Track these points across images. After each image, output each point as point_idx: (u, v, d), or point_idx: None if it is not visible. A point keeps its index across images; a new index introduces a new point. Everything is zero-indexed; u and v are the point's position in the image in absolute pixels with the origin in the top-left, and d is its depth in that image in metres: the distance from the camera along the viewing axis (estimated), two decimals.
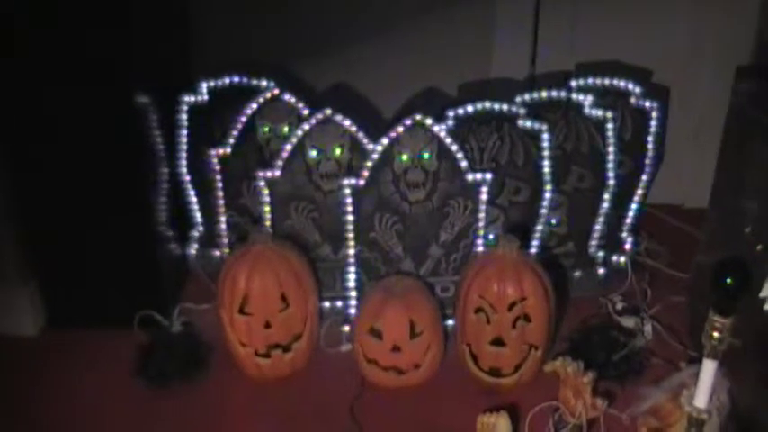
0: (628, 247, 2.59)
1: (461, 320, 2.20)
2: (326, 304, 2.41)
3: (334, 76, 2.73)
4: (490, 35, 2.67)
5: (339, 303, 2.42)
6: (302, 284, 2.21)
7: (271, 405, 2.20)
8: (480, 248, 2.33)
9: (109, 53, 2.08)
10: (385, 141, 2.23)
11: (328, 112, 2.29)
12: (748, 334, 1.86)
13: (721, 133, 2.24)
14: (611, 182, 2.40)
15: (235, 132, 2.42)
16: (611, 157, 2.38)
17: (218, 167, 2.45)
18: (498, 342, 2.16)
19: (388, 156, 2.23)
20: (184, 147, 2.46)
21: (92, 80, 2.10)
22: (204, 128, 2.47)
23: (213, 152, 2.43)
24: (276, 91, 2.43)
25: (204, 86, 2.48)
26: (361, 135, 2.30)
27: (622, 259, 2.57)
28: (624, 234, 2.58)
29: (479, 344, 2.18)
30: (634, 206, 2.55)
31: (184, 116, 2.45)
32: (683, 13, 2.65)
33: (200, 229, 2.57)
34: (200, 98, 2.46)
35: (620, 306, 2.43)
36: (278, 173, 2.30)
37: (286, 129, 2.39)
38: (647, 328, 2.35)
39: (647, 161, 2.50)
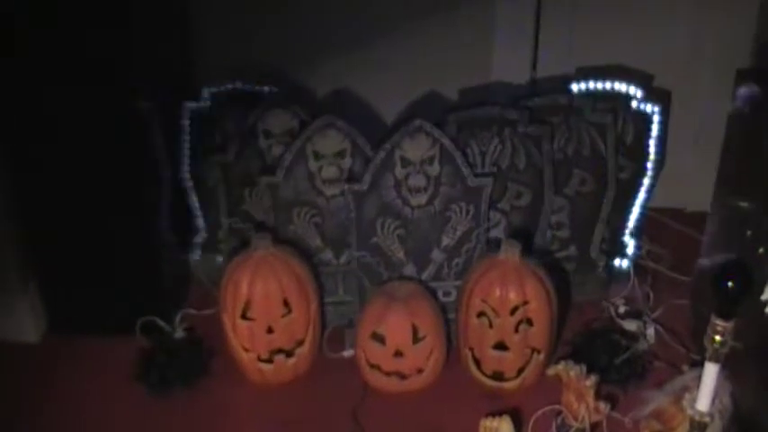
0: (630, 250, 2.59)
1: (464, 325, 2.20)
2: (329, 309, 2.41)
3: (334, 82, 2.73)
4: (491, 39, 2.67)
5: (342, 308, 2.42)
6: (304, 289, 2.21)
7: (273, 410, 2.20)
8: None
9: (109, 53, 2.08)
10: (387, 146, 2.23)
11: (330, 117, 2.29)
12: (750, 337, 1.86)
13: (722, 136, 2.24)
14: (613, 186, 2.40)
15: (236, 138, 2.42)
16: (612, 160, 2.38)
17: (220, 173, 2.46)
18: (501, 346, 2.16)
19: (389, 161, 2.23)
20: (187, 152, 2.47)
21: (92, 80, 2.10)
22: (206, 133, 2.47)
23: (215, 158, 2.44)
24: (277, 96, 2.43)
25: (206, 92, 2.48)
26: (362, 140, 2.30)
27: (625, 263, 2.57)
28: (626, 238, 2.58)
29: (482, 348, 2.18)
30: (636, 210, 2.55)
31: (186, 121, 2.45)
32: (682, 16, 2.65)
33: (203, 234, 2.57)
34: (201, 103, 2.46)
35: (622, 310, 2.43)
36: (279, 178, 2.30)
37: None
38: (650, 331, 2.35)
39: (649, 165, 2.50)
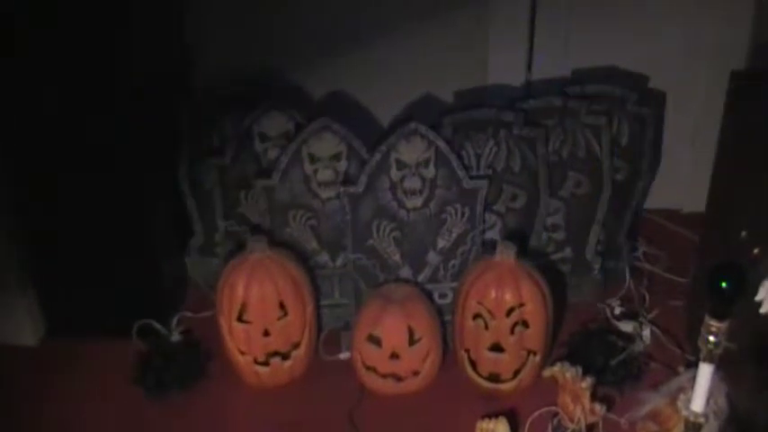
0: (625, 252, 2.59)
1: (460, 327, 2.20)
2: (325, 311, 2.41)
3: (330, 84, 2.74)
4: (486, 41, 2.67)
5: (338, 311, 2.42)
6: (300, 292, 2.21)
7: (270, 413, 2.20)
8: None
9: (109, 53, 2.09)
10: (382, 149, 2.23)
11: (325, 120, 2.29)
12: (745, 337, 1.87)
13: (717, 137, 2.24)
14: (608, 187, 2.41)
15: (233, 141, 2.42)
16: (607, 162, 2.39)
17: (216, 176, 2.46)
18: (497, 348, 2.16)
19: (385, 163, 2.24)
20: (184, 155, 2.47)
21: (92, 81, 2.10)
22: (203, 135, 2.47)
23: (212, 160, 2.44)
24: (274, 99, 2.44)
25: (203, 94, 2.48)
26: (357, 143, 2.30)
27: (620, 264, 2.57)
28: (622, 239, 2.58)
29: (478, 350, 2.19)
30: (631, 211, 2.55)
31: (183, 124, 2.45)
32: (677, 17, 2.65)
33: (199, 237, 2.57)
34: (199, 105, 2.47)
35: (618, 311, 2.43)
36: (275, 181, 2.31)
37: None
38: (646, 332, 2.35)
39: (644, 166, 2.50)
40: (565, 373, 2.04)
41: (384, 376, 2.20)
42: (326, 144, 2.29)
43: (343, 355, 2.34)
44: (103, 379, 2.27)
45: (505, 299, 2.10)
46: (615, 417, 2.09)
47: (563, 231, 2.48)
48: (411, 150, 2.23)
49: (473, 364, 2.22)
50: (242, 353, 2.22)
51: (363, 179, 2.24)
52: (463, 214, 2.29)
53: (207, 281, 2.50)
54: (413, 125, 2.22)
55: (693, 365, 1.67)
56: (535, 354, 2.18)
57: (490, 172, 2.32)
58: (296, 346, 2.25)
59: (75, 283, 2.36)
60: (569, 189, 2.43)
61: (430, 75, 2.71)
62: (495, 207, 2.36)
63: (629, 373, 2.23)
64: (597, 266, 2.51)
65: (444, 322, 2.30)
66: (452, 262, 2.34)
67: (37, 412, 2.19)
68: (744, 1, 2.60)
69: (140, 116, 2.21)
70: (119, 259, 2.33)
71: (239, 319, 2.18)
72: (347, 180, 2.30)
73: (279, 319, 2.19)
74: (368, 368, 2.21)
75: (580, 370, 2.04)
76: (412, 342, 2.17)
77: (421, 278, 2.35)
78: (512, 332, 2.13)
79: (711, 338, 1.56)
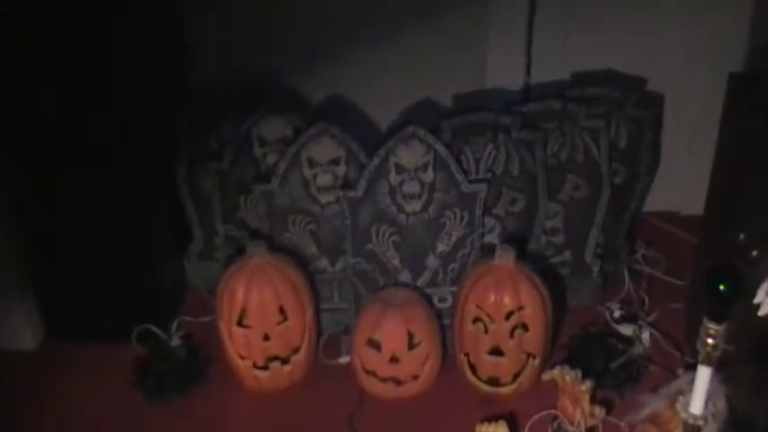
0: (625, 254, 2.59)
1: (459, 330, 2.20)
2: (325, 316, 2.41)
3: (329, 88, 2.74)
4: (484, 45, 2.68)
5: (337, 315, 2.42)
6: (300, 297, 2.21)
7: (269, 417, 2.20)
8: None
9: (109, 54, 2.09)
10: (381, 153, 2.24)
11: (324, 125, 2.29)
12: (744, 340, 1.87)
13: (716, 140, 2.24)
14: (607, 190, 2.41)
15: (232, 145, 2.43)
16: (605, 165, 2.39)
17: (215, 180, 2.47)
18: (496, 351, 2.16)
19: (384, 167, 2.24)
20: (183, 158, 2.47)
21: (91, 82, 2.11)
22: (201, 140, 2.48)
23: (211, 165, 2.45)
24: (273, 103, 2.44)
25: (202, 97, 2.49)
26: (356, 147, 2.30)
27: (619, 267, 2.57)
28: (621, 242, 2.58)
29: (477, 353, 2.19)
30: (630, 214, 2.56)
31: (182, 126, 2.46)
32: (676, 20, 2.66)
33: (199, 242, 2.58)
34: (197, 108, 2.47)
35: (617, 314, 2.44)
36: (274, 186, 2.31)
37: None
38: (645, 335, 2.35)
39: (643, 169, 2.50)
40: (564, 376, 2.04)
41: (384, 380, 2.20)
42: (325, 148, 2.30)
43: (343, 360, 2.34)
44: (103, 383, 2.27)
45: (505, 302, 2.10)
46: (615, 420, 2.09)
47: (562, 235, 2.48)
48: (410, 154, 2.23)
49: (473, 368, 2.22)
50: (242, 357, 2.22)
51: (362, 183, 2.24)
52: (462, 218, 2.29)
53: (206, 285, 2.50)
54: (411, 129, 2.22)
55: (693, 368, 1.67)
56: (534, 357, 2.18)
57: (489, 176, 2.32)
58: (296, 350, 2.25)
59: (75, 287, 2.36)
60: (568, 192, 2.43)
61: (428, 77, 2.71)
62: (494, 211, 2.36)
63: (629, 375, 2.23)
64: (596, 269, 2.51)
65: (444, 326, 2.30)
66: (452, 266, 2.34)
67: (36, 416, 2.19)
68: (742, 3, 2.60)
69: (140, 116, 2.21)
70: (118, 263, 2.33)
71: (239, 323, 2.18)
72: (346, 184, 2.30)
73: (278, 323, 2.19)
74: (367, 372, 2.21)
75: (579, 373, 2.04)
76: (411, 346, 2.17)
77: (420, 282, 2.35)
78: (511, 336, 2.14)
79: (710, 341, 1.56)
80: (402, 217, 2.29)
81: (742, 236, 1.98)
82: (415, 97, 2.73)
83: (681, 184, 2.84)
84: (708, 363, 1.58)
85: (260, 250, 2.18)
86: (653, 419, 2.02)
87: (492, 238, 2.38)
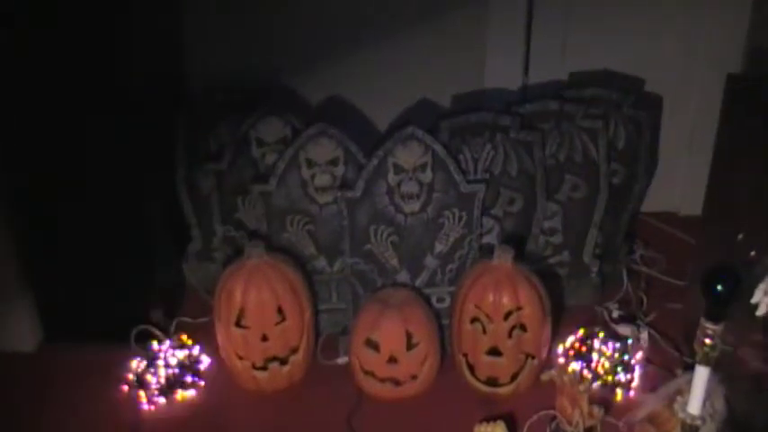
0: (623, 255, 2.60)
1: (458, 331, 2.20)
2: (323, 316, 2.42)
3: (328, 89, 2.74)
4: (483, 46, 2.68)
5: (336, 315, 2.42)
6: (298, 297, 2.21)
7: (268, 418, 2.20)
8: None
9: (109, 54, 2.09)
10: (379, 153, 2.24)
11: (322, 125, 2.29)
12: (743, 340, 1.87)
13: (714, 140, 2.25)
14: (605, 191, 2.41)
15: (231, 146, 2.43)
16: (604, 165, 2.39)
17: (214, 181, 2.47)
18: (495, 352, 2.16)
19: (382, 168, 2.24)
20: (181, 159, 2.47)
21: (91, 83, 2.11)
22: (200, 141, 2.48)
23: (209, 166, 2.45)
24: (271, 104, 2.44)
25: (200, 100, 2.49)
26: (354, 148, 2.30)
27: (618, 267, 2.57)
28: (619, 242, 2.59)
29: (476, 354, 2.19)
30: (629, 214, 2.56)
31: (181, 127, 2.46)
32: (674, 21, 2.66)
33: (197, 242, 2.58)
34: (195, 112, 2.47)
35: (616, 314, 2.44)
36: (272, 186, 2.31)
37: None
38: (644, 335, 2.35)
39: (641, 169, 2.51)
40: (563, 376, 2.04)
41: (382, 381, 2.20)
42: (323, 149, 2.30)
43: (342, 360, 2.34)
44: (102, 384, 2.26)
45: (503, 302, 2.11)
46: (613, 420, 2.09)
47: (560, 235, 2.48)
48: (408, 155, 2.23)
49: (471, 368, 2.22)
50: (240, 358, 2.22)
51: (361, 184, 2.25)
52: (460, 218, 2.29)
53: (205, 286, 2.51)
54: (410, 129, 2.23)
55: (691, 368, 1.67)
56: (533, 357, 2.19)
57: (487, 176, 2.33)
58: (294, 351, 2.25)
59: (74, 288, 2.36)
60: (566, 193, 2.43)
61: (427, 79, 2.71)
62: (492, 211, 2.37)
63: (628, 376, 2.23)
64: (595, 270, 2.51)
65: (442, 326, 2.30)
66: (450, 266, 2.34)
67: (36, 418, 2.18)
68: (740, 5, 2.61)
69: (140, 117, 2.21)
70: (117, 264, 2.33)
71: (237, 324, 2.18)
72: (344, 185, 2.30)
73: (277, 324, 2.19)
74: (366, 373, 2.21)
75: (578, 373, 2.04)
76: (410, 346, 2.17)
77: (418, 282, 2.35)
78: (509, 336, 2.14)
79: (707, 341, 1.56)
80: (400, 217, 2.29)
81: (740, 236, 1.99)
82: (413, 98, 2.73)
83: (679, 184, 2.85)
84: (706, 363, 1.59)
85: (258, 251, 2.18)
86: (651, 419, 2.02)
87: (490, 239, 2.38)
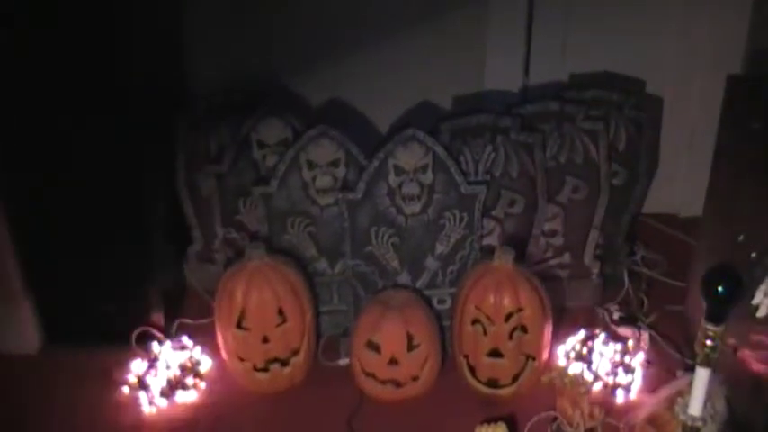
0: (624, 256, 2.59)
1: (458, 332, 2.21)
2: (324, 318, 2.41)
3: (328, 91, 2.74)
4: (483, 47, 2.68)
5: (337, 317, 2.42)
6: (299, 299, 2.21)
7: (269, 419, 2.21)
8: None
9: (109, 54, 2.09)
10: (380, 155, 2.24)
11: (323, 127, 2.29)
12: (743, 341, 1.87)
13: (715, 141, 2.25)
14: (606, 192, 2.42)
15: (231, 148, 2.43)
16: (604, 167, 2.39)
17: (214, 183, 2.47)
18: (495, 353, 2.17)
19: (383, 169, 2.24)
20: (182, 161, 2.47)
21: (91, 84, 2.10)
22: (201, 142, 2.48)
23: (210, 168, 2.45)
24: (272, 105, 2.44)
25: (201, 100, 2.49)
26: (355, 149, 2.30)
27: (619, 269, 2.57)
28: (620, 244, 2.59)
29: (477, 355, 2.19)
30: (629, 216, 2.56)
31: (181, 128, 2.46)
32: (674, 22, 2.66)
33: (198, 244, 2.58)
34: (196, 113, 2.48)
35: (617, 315, 2.44)
36: (273, 188, 2.31)
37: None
38: (644, 336, 2.35)
39: (642, 171, 2.51)
40: (563, 377, 2.04)
41: (383, 382, 2.20)
42: (324, 151, 2.30)
43: (343, 362, 2.34)
44: (104, 386, 2.26)
45: (504, 304, 2.11)
46: (614, 421, 2.09)
47: (561, 236, 2.48)
48: (409, 156, 2.23)
49: (472, 370, 2.22)
50: (241, 359, 2.22)
51: (361, 185, 2.25)
52: (461, 220, 2.29)
53: (206, 288, 2.51)
54: (410, 131, 2.23)
55: (692, 369, 1.67)
56: (534, 359, 2.19)
57: (488, 177, 2.33)
58: (295, 352, 2.25)
59: (74, 290, 2.36)
60: (567, 194, 2.43)
61: (428, 78, 2.71)
62: (493, 212, 2.37)
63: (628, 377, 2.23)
64: (595, 271, 2.51)
65: (443, 328, 2.30)
66: (451, 267, 2.34)
67: (38, 419, 2.19)
68: (740, 6, 2.60)
69: (140, 117, 2.21)
70: (118, 266, 2.33)
71: (238, 325, 2.18)
72: (345, 186, 2.30)
73: (278, 325, 2.19)
74: (367, 374, 2.21)
75: (579, 375, 2.04)
76: (411, 348, 2.17)
77: (419, 284, 2.36)
78: (510, 337, 2.14)
79: (708, 342, 1.56)
80: (401, 219, 2.29)
81: (741, 237, 1.99)
82: (414, 99, 2.73)
83: (680, 185, 2.84)
84: (706, 364, 1.58)
85: (259, 252, 2.18)
86: (652, 421, 2.03)
87: (491, 240, 2.38)
